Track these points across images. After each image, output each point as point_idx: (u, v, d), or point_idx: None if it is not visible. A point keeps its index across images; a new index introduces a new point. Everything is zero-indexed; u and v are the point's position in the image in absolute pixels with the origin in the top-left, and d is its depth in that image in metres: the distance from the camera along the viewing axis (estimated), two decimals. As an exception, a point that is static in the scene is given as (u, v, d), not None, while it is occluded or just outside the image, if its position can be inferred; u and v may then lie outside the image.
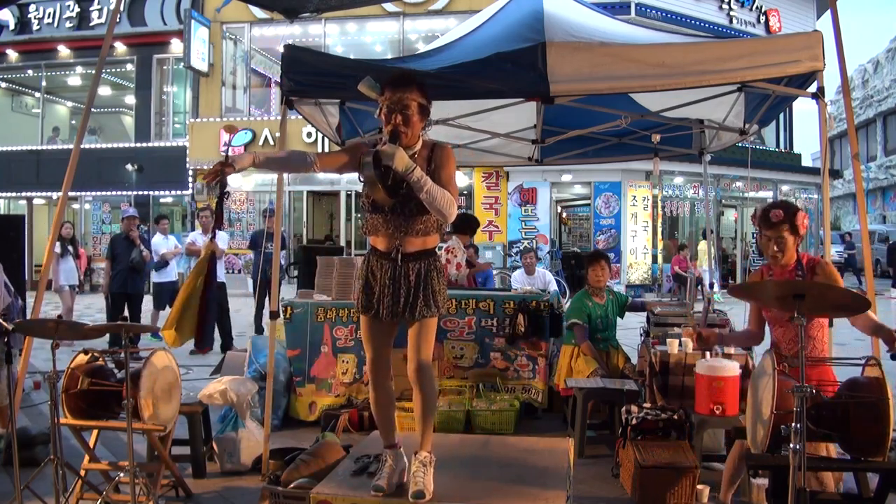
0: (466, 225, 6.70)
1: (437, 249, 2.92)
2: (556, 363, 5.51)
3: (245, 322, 9.98)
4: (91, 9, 17.96)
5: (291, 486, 3.19)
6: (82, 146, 4.41)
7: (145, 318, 8.47)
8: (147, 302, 9.47)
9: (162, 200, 18.56)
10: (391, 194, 2.70)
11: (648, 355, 4.75)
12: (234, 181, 17.27)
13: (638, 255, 16.34)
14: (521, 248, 14.96)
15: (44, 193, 18.71)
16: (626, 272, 16.08)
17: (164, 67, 18.46)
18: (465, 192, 16.22)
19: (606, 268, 5.49)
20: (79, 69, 19.33)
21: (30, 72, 19.64)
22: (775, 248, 3.12)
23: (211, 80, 17.35)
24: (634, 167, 14.68)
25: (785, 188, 19.70)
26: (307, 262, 6.55)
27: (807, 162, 24.25)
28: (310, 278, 5.93)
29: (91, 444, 3.70)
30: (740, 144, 8.57)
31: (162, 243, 9.15)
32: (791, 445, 2.43)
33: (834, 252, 20.28)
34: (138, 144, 18.12)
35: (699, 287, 6.44)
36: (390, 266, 2.80)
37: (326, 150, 16.13)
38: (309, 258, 6.51)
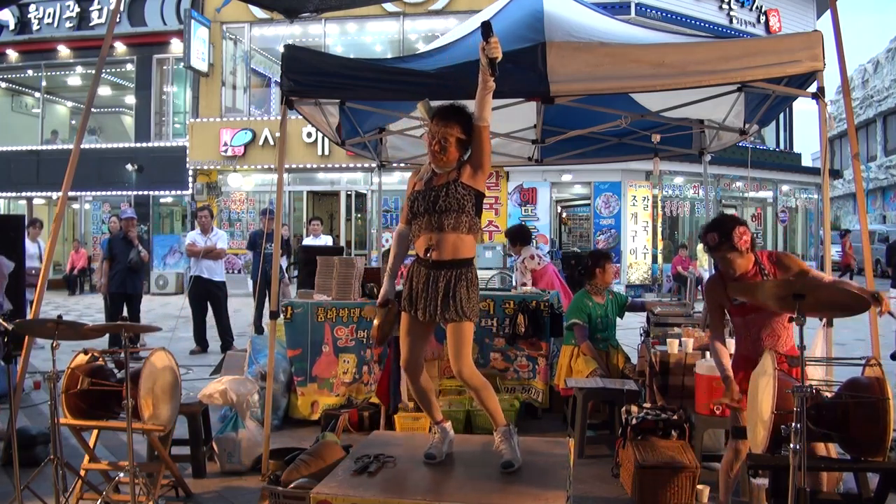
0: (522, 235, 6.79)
1: (472, 260, 3.15)
2: (557, 363, 5.51)
3: (245, 322, 9.99)
4: (91, 9, 17.96)
5: (291, 486, 3.19)
6: (82, 146, 4.41)
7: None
8: (146, 302, 9.47)
9: (162, 200, 18.57)
10: (493, 73, 2.93)
11: (648, 355, 4.76)
12: (235, 181, 17.29)
13: (638, 255, 16.33)
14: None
15: (44, 193, 18.73)
16: (626, 272, 16.08)
17: (164, 67, 18.45)
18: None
19: (612, 267, 5.51)
20: (79, 69, 19.33)
21: (30, 72, 19.64)
22: (725, 267, 3.19)
23: (211, 80, 17.34)
24: (634, 167, 14.68)
25: (785, 188, 19.72)
26: (307, 262, 6.53)
27: (807, 162, 24.25)
28: (310, 278, 5.94)
29: (91, 444, 3.70)
30: (740, 144, 8.57)
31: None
32: (791, 445, 2.43)
33: (834, 252, 20.29)
34: (138, 144, 18.12)
35: (699, 287, 6.45)
36: (425, 271, 3.08)
37: (326, 150, 16.18)
38: (309, 258, 6.50)
